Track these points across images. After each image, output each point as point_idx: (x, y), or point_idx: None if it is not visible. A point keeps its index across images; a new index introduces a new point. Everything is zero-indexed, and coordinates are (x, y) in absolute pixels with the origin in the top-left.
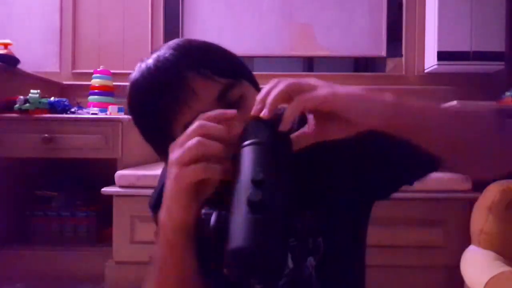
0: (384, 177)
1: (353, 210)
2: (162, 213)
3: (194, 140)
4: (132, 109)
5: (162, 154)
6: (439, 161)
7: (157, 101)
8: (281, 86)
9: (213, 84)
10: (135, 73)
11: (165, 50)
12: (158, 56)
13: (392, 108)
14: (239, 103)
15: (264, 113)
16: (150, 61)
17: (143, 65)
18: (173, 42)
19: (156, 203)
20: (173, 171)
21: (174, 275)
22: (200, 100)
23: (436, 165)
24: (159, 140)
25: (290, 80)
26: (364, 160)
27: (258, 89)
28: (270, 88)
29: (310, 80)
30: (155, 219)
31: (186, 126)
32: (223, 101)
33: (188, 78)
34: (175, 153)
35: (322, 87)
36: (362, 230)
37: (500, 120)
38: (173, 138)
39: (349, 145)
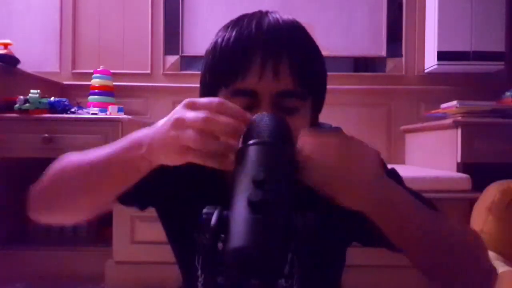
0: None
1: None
2: (151, 133)
3: (207, 114)
4: (213, 44)
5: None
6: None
7: (237, 56)
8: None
9: (287, 81)
10: (241, 16)
11: (279, 20)
12: (269, 20)
13: (377, 203)
14: (288, 113)
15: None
16: (256, 20)
17: (249, 18)
18: (291, 20)
19: None
20: (175, 124)
21: (100, 178)
22: (267, 82)
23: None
24: (209, 89)
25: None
26: None
27: (316, 115)
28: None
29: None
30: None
31: (232, 94)
32: (280, 98)
33: (281, 59)
34: (191, 111)
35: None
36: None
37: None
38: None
39: None
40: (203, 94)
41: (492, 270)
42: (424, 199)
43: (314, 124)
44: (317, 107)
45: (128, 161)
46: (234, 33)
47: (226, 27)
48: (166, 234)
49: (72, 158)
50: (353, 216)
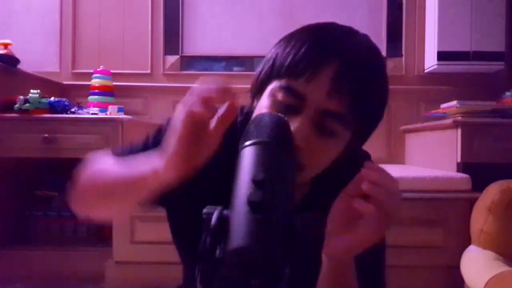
0: None
1: None
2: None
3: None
4: (278, 43)
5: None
6: None
7: (306, 55)
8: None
9: (339, 103)
10: (315, 24)
11: (361, 43)
12: (352, 40)
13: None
14: (324, 133)
15: None
16: (360, 37)
17: (324, 29)
18: (373, 46)
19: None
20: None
21: (119, 196)
22: (321, 95)
23: None
24: (263, 77)
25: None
26: None
27: (356, 145)
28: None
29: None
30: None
31: (283, 87)
32: (323, 116)
33: (346, 80)
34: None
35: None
36: None
37: None
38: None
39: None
40: (253, 84)
41: None
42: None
43: (349, 153)
44: (360, 139)
45: (140, 182)
46: (311, 36)
47: (298, 32)
48: (171, 232)
49: (100, 169)
50: None
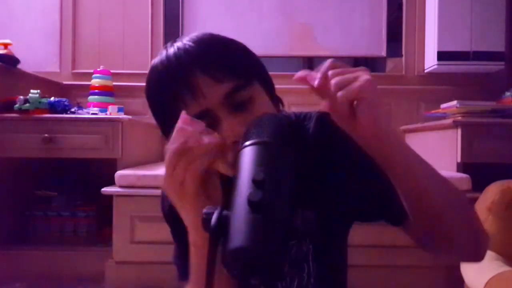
0: (359, 199)
1: (346, 214)
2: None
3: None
4: (146, 90)
5: (167, 135)
6: (404, 217)
7: (167, 92)
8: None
9: (221, 86)
10: (157, 57)
11: (186, 41)
12: (178, 48)
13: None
14: (247, 105)
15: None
16: (171, 50)
17: (165, 52)
18: (197, 35)
19: (169, 210)
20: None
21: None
22: (207, 98)
23: (400, 220)
24: (165, 121)
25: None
26: (353, 177)
27: (271, 92)
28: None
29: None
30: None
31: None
32: (230, 100)
33: (197, 77)
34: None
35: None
36: (346, 234)
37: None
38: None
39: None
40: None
41: (486, 233)
42: None
43: (275, 100)
44: (268, 87)
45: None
46: (157, 74)
47: (147, 82)
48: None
49: None
50: (352, 194)
